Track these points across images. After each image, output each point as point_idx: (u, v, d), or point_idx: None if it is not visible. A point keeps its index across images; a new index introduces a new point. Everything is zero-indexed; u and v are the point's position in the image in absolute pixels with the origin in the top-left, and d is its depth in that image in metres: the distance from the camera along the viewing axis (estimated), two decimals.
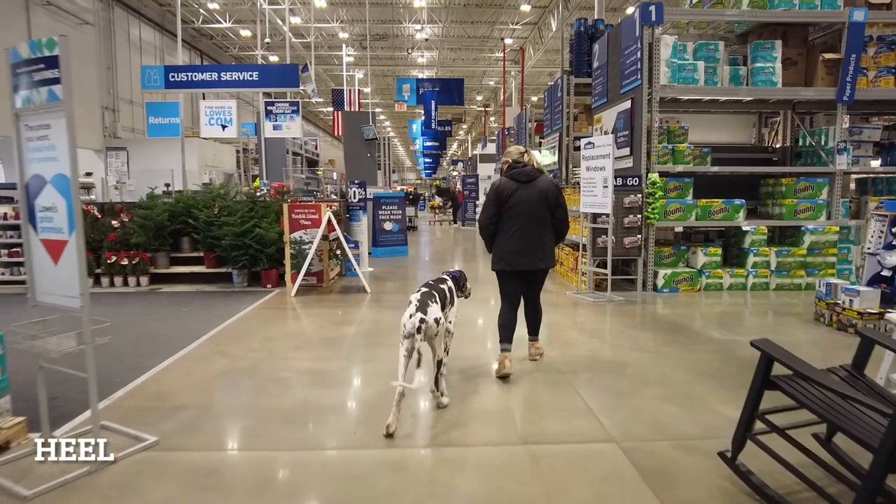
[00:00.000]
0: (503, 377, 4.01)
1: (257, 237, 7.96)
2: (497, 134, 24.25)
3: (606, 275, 6.98)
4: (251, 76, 12.07)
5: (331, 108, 26.04)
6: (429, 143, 31.95)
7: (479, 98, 35.35)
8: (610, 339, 5.24)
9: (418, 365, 3.14)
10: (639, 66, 7.26)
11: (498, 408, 3.58)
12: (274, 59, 26.18)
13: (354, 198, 9.50)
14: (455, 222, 23.81)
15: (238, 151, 19.61)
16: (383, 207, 11.78)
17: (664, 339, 5.13)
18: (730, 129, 9.29)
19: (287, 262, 7.82)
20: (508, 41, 22.60)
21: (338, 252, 8.28)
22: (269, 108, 12.15)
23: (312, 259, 7.94)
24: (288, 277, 7.73)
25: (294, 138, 17.81)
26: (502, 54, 22.44)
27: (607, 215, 6.98)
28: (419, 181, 57.29)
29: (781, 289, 7.45)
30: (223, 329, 5.66)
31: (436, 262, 11.65)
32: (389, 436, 3.08)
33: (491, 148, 25.42)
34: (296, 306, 6.81)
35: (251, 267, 8.17)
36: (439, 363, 3.47)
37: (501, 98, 25.58)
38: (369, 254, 11.79)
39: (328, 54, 24.68)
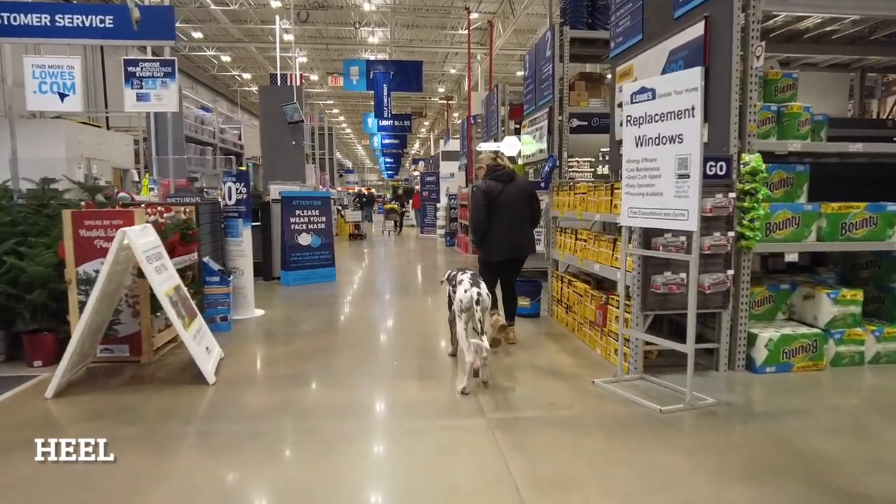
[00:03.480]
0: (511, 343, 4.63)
1: (11, 273, 4.24)
2: (461, 125, 20.88)
3: (672, 348, 3.57)
4: (105, 22, 8.39)
5: None
6: (388, 141, 28.36)
7: (441, 90, 31.86)
8: None
9: (482, 332, 3.58)
10: None
11: None
12: (198, 35, 22.07)
13: (229, 198, 5.82)
14: (397, 230, 20.15)
15: (137, 141, 15.53)
16: (297, 213, 8.12)
17: None
18: (814, 94, 6.06)
19: (73, 317, 4.15)
20: (474, 16, 19.17)
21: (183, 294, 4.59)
22: (129, 69, 8.33)
23: (120, 313, 4.30)
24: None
25: (201, 123, 13.99)
26: (467, 31, 19.05)
27: (679, 235, 3.59)
28: (381, 182, 53.62)
29: None
30: None
31: (385, 294, 8.09)
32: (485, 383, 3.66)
33: (454, 145, 22.08)
34: (22, 438, 3.10)
35: (8, 327, 4.44)
36: (487, 343, 3.63)
37: (465, 87, 22.21)
38: (276, 278, 8.17)
39: (260, 28, 20.74)
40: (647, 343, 3.98)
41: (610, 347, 4.29)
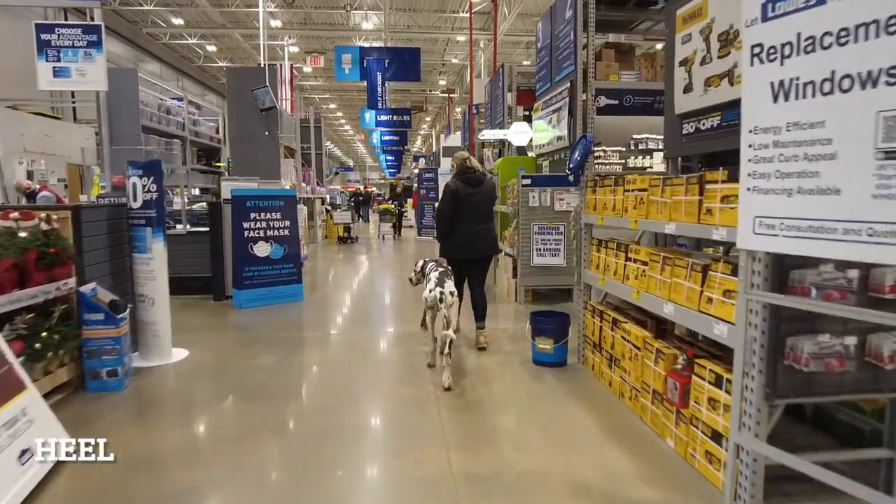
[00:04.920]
0: (482, 349, 4.66)
1: None
2: (463, 116, 19.23)
3: (836, 485, 1.89)
4: None
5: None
6: (387, 138, 26.73)
7: (443, 82, 30.13)
8: None
9: (446, 326, 3.78)
10: None
11: None
12: (178, 21, 20.42)
13: (134, 199, 4.15)
14: (395, 234, 18.11)
15: (98, 133, 13.89)
16: (252, 216, 6.45)
17: None
18: None
19: None
20: None
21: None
22: (42, 36, 6.68)
23: None
24: None
25: (166, 112, 12.31)
26: (468, 14, 17.32)
27: (844, 267, 1.90)
28: (383, 180, 52.00)
29: None
30: None
31: (359, 322, 6.43)
32: (448, 389, 3.60)
33: (456, 140, 20.49)
34: None
35: None
36: (453, 334, 3.81)
37: (468, 79, 20.51)
38: (230, 297, 6.53)
39: (244, 12, 19.06)
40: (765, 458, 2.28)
41: (695, 444, 2.60)
